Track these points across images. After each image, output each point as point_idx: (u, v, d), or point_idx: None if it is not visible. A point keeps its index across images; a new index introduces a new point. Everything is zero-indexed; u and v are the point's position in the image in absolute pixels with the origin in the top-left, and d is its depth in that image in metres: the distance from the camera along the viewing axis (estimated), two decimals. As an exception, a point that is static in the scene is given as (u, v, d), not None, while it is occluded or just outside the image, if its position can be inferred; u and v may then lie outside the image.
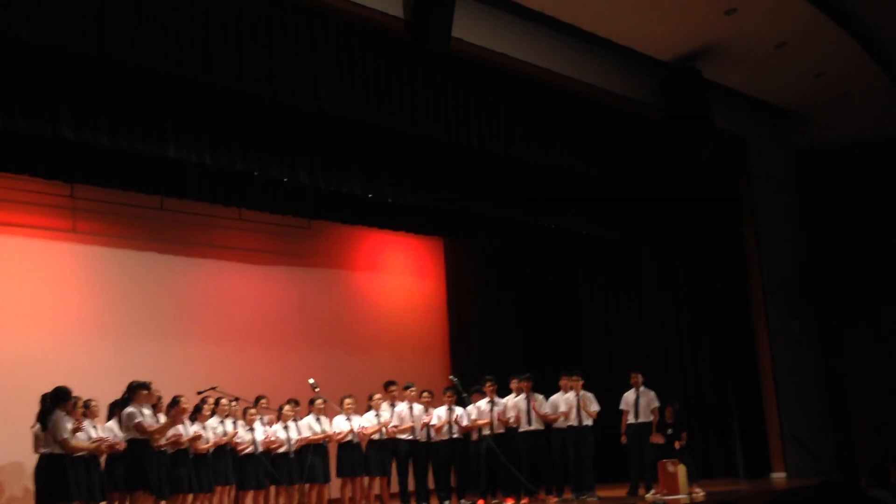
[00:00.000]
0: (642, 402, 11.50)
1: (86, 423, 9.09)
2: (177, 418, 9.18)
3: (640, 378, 11.63)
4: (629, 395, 11.62)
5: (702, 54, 11.86)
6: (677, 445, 11.15)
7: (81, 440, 8.66)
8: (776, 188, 14.18)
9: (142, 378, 9.15)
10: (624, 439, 11.57)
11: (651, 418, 11.45)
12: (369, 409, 11.12)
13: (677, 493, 10.68)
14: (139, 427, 8.72)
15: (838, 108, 13.72)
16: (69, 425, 8.50)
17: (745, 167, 13.81)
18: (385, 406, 11.16)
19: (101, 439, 8.89)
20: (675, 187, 12.58)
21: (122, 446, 8.99)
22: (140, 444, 8.75)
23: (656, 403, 11.50)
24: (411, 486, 11.18)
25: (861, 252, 14.06)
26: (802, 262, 14.09)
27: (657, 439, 11.31)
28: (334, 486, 10.92)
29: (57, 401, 8.52)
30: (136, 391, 8.94)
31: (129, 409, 8.82)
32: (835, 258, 14.03)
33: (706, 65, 12.00)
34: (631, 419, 11.54)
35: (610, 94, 11.72)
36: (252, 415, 10.32)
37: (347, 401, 10.96)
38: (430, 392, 11.47)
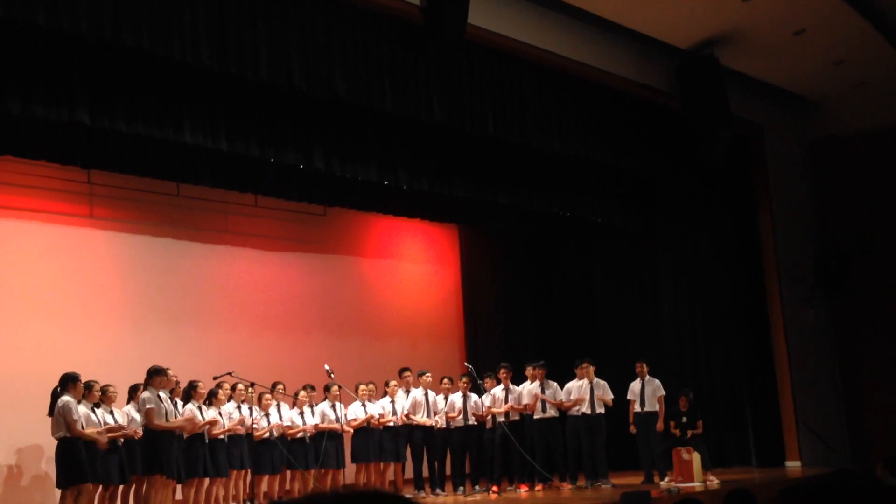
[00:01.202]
0: (648, 391, 11.51)
1: (101, 410, 9.18)
2: (189, 424, 9.19)
3: (645, 367, 11.64)
4: (635, 385, 11.64)
5: (719, 41, 11.79)
6: (700, 429, 11.18)
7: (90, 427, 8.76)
8: (792, 177, 14.11)
9: (158, 363, 9.21)
10: (633, 429, 11.59)
11: (657, 407, 11.47)
12: (385, 395, 11.16)
13: (692, 481, 10.67)
14: (148, 416, 8.75)
15: (856, 97, 13.63)
16: (80, 409, 8.59)
17: (761, 155, 13.73)
18: (400, 393, 11.19)
19: (109, 428, 8.97)
20: (691, 175, 12.53)
21: (138, 434, 9.08)
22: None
23: (662, 392, 11.51)
24: (425, 472, 11.22)
25: (876, 242, 13.97)
26: (818, 252, 14.02)
27: (662, 428, 11.33)
28: (349, 472, 10.97)
29: (65, 385, 8.61)
30: (153, 376, 9.00)
31: (144, 395, 8.88)
32: (850, 248, 13.94)
33: (723, 52, 11.92)
34: (637, 408, 11.55)
35: (626, 82, 11.67)
36: (268, 400, 10.37)
37: (362, 387, 11.00)
38: (449, 378, 11.50)
